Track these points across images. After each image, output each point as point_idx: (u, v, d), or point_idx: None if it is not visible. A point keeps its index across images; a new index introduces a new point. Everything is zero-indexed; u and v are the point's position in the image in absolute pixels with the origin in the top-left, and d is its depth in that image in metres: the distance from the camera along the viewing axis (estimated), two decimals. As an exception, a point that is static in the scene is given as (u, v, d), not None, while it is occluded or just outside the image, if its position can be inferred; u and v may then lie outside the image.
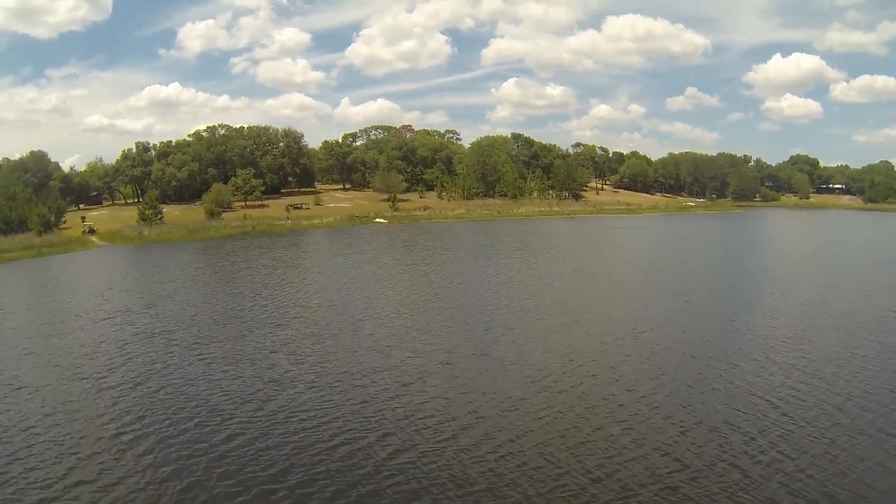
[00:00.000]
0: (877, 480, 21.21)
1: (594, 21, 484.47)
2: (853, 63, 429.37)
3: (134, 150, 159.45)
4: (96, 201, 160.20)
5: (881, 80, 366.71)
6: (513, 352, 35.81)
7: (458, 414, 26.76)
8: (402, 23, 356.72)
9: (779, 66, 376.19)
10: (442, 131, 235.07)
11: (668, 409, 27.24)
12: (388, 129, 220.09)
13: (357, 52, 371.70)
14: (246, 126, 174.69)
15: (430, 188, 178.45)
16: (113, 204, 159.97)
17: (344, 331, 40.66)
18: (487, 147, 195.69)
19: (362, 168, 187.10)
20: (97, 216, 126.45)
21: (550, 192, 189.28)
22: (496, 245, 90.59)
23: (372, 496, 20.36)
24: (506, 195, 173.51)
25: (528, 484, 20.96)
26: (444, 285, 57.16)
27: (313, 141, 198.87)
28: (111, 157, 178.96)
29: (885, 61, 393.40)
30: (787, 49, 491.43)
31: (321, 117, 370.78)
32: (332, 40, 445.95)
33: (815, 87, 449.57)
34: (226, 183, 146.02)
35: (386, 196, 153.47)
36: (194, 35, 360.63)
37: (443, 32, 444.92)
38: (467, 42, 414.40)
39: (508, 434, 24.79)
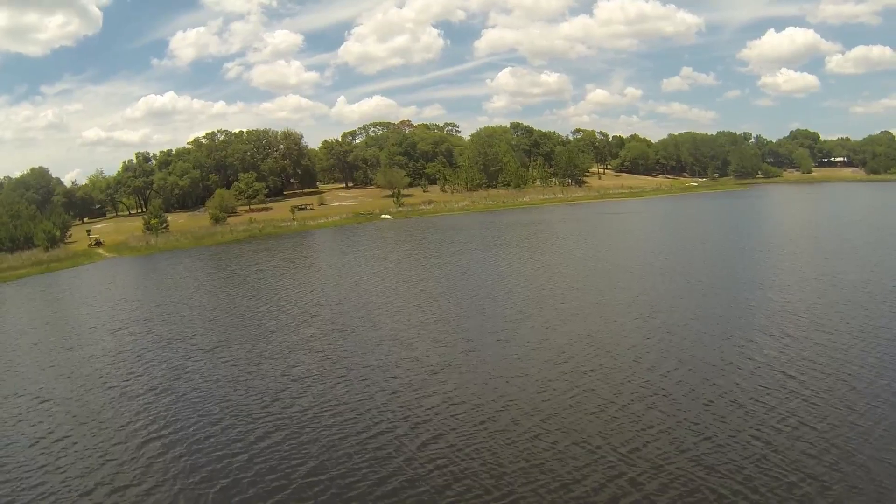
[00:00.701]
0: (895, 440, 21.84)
1: (586, 6, 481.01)
2: (847, 34, 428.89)
3: (135, 161, 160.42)
4: (100, 214, 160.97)
5: (876, 51, 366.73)
6: (533, 337, 36.38)
7: (486, 400, 27.25)
8: (394, 18, 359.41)
9: (773, 42, 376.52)
10: (441, 124, 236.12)
11: (690, 384, 27.79)
12: (387, 125, 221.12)
13: (350, 50, 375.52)
14: (245, 130, 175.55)
15: (433, 182, 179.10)
16: (116, 216, 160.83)
17: (364, 325, 41.22)
18: (488, 138, 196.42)
19: (364, 166, 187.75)
20: (102, 229, 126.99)
21: (553, 179, 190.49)
22: (504, 235, 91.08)
23: (407, 486, 20.76)
24: (509, 185, 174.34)
25: (559, 465, 21.43)
26: (458, 276, 57.71)
27: (312, 141, 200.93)
28: (111, 169, 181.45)
29: (880, 31, 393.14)
30: (780, 24, 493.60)
31: (318, 117, 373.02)
32: (324, 40, 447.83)
33: (810, 61, 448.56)
34: (228, 188, 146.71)
35: (389, 192, 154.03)
36: (186, 43, 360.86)
37: (434, 26, 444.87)
38: (460, 34, 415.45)
39: (537, 418, 25.23)
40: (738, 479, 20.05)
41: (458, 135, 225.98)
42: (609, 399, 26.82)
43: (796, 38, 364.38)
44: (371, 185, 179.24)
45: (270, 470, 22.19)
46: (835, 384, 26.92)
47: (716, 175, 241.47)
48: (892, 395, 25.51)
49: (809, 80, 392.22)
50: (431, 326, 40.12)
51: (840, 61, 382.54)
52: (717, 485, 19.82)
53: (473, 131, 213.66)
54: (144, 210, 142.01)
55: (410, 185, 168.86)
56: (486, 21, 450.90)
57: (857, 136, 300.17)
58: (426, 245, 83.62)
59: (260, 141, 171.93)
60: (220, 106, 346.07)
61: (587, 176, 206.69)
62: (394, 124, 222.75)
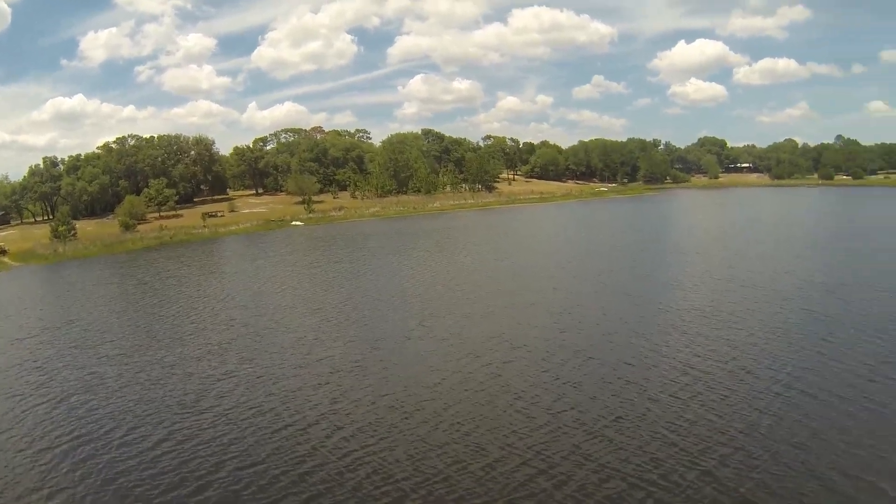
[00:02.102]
0: (775, 429, 25.59)
1: (500, 14, 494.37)
2: (755, 47, 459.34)
3: (41, 166, 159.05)
4: (3, 221, 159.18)
5: (782, 63, 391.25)
6: (443, 335, 40.19)
7: (398, 399, 30.11)
8: (308, 24, 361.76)
9: (683, 52, 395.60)
10: (352, 131, 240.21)
11: (599, 376, 32.01)
12: (298, 131, 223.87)
13: (263, 55, 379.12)
14: (156, 136, 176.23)
15: (344, 188, 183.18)
16: (21, 223, 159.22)
17: (274, 328, 44.50)
18: (398, 144, 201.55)
19: (274, 172, 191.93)
20: (6, 236, 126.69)
21: (463, 185, 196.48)
22: (414, 241, 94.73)
23: (300, 482, 23.06)
24: (419, 191, 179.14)
25: (473, 457, 24.32)
26: (368, 281, 61.47)
27: (222, 148, 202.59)
28: (16, 174, 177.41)
29: (786, 45, 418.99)
30: (691, 35, 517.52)
31: (228, 123, 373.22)
32: (237, 44, 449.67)
33: (719, 72, 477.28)
34: (138, 194, 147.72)
35: (300, 199, 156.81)
36: (97, 44, 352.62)
37: (349, 32, 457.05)
38: (374, 41, 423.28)
39: (451, 411, 28.43)
40: (644, 458, 23.47)
41: (370, 141, 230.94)
42: (501, 393, 30.04)
43: (706, 49, 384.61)
44: (282, 191, 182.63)
45: (167, 471, 24.07)
46: (727, 378, 31.01)
47: (625, 180, 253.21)
48: (776, 384, 29.95)
49: (718, 89, 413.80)
50: (340, 329, 43.65)
51: (747, 72, 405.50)
52: (624, 465, 22.99)
53: (384, 138, 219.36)
54: (51, 217, 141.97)
55: (321, 191, 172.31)
56: (401, 27, 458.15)
57: (762, 143, 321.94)
58: (336, 250, 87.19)
59: (171, 146, 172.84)
60: (130, 110, 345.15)
61: (497, 182, 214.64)
62: (305, 130, 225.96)
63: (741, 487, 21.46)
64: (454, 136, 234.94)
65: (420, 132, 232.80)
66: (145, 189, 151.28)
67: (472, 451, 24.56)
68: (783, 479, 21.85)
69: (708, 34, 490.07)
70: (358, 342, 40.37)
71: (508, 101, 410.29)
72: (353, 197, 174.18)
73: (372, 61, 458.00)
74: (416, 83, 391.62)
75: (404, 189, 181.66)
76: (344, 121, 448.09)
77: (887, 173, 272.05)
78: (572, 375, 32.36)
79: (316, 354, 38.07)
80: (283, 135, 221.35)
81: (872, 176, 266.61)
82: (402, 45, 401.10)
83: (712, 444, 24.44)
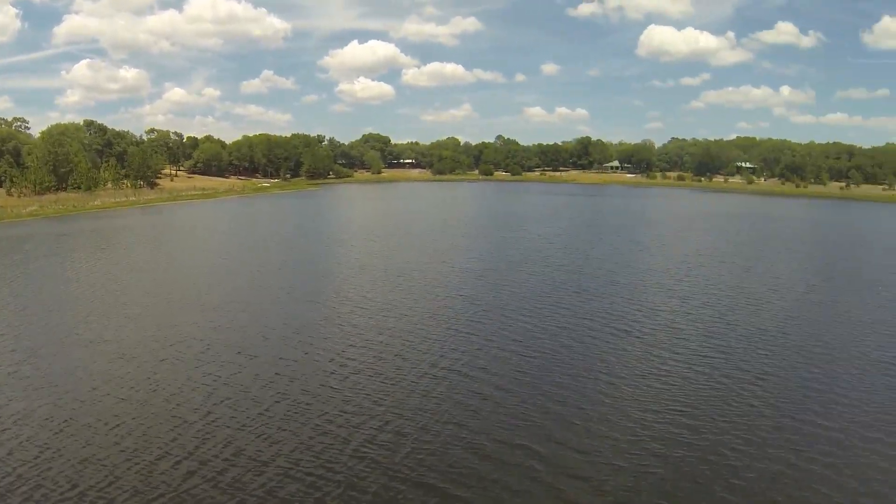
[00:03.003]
0: (424, 405, 29.08)
1: (176, 1, 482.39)
2: (425, 51, 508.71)
3: None
4: None
5: (449, 67, 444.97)
6: (95, 337, 39.85)
7: (41, 404, 29.35)
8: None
9: (355, 52, 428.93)
10: (9, 119, 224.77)
11: (256, 372, 33.44)
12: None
13: None
14: None
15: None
16: None
17: None
18: (59, 136, 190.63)
19: None
20: None
21: (125, 181, 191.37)
22: (74, 241, 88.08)
23: None
24: (80, 187, 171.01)
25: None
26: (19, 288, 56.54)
27: None
28: None
29: (455, 51, 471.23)
30: (365, 36, 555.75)
31: None
32: None
33: (388, 72, 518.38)
34: None
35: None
36: None
37: (13, 4, 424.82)
38: (40, 17, 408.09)
39: (84, 422, 27.65)
40: (298, 446, 25.23)
41: (28, 132, 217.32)
42: (175, 391, 30.86)
43: (378, 50, 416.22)
44: None
45: None
46: (385, 363, 34.50)
47: (288, 175, 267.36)
48: (430, 367, 33.80)
49: (386, 89, 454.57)
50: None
51: (416, 74, 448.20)
52: (277, 456, 24.35)
53: (44, 128, 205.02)
54: None
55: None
56: (71, 5, 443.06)
57: (425, 140, 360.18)
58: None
59: None
60: None
61: (160, 178, 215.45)
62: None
63: (392, 460, 24.05)
64: (117, 129, 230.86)
65: (83, 123, 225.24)
66: None
67: (128, 461, 24.10)
68: (433, 451, 24.78)
69: (382, 36, 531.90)
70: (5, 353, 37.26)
71: (175, 93, 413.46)
72: (10, 194, 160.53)
73: (36, 41, 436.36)
74: (81, 69, 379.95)
75: (64, 185, 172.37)
76: (1, 107, 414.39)
77: (543, 170, 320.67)
78: (224, 372, 33.40)
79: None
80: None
81: (530, 172, 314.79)
82: (70, 25, 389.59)
83: (362, 424, 26.97)
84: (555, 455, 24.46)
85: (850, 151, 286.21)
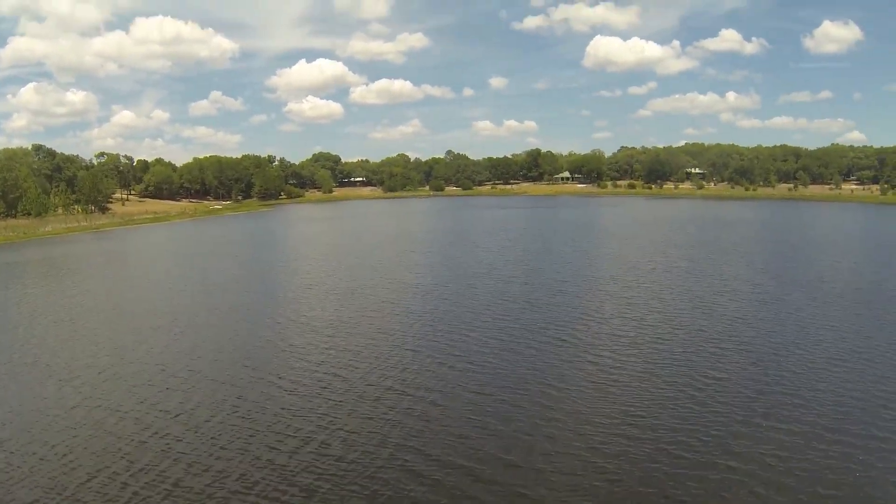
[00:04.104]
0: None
1: (123, 22, 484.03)
2: (373, 69, 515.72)
3: None
4: None
5: (398, 84, 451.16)
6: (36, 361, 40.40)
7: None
8: None
9: (303, 71, 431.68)
10: None
11: (206, 383, 35.07)
12: None
13: None
14: None
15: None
16: None
17: None
18: (7, 161, 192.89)
19: None
20: None
21: (76, 206, 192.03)
22: (22, 272, 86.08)
23: None
24: (30, 213, 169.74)
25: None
26: None
27: None
28: None
29: (402, 68, 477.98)
30: (312, 55, 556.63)
31: None
32: None
33: (336, 90, 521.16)
34: None
35: None
36: None
37: None
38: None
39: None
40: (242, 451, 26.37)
41: None
42: (125, 413, 30.94)
43: (325, 69, 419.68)
44: None
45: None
46: (330, 383, 34.71)
47: (240, 197, 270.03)
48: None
49: (334, 107, 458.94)
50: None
51: (364, 92, 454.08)
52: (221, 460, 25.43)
53: None
54: None
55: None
56: (16, 27, 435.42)
57: (375, 158, 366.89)
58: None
59: None
60: None
61: (111, 202, 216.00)
62: None
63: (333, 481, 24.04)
64: (66, 153, 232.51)
65: (31, 148, 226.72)
66: None
67: (81, 484, 24.08)
68: (370, 474, 24.42)
69: (329, 55, 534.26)
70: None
71: (124, 116, 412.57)
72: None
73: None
74: (28, 92, 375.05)
75: (13, 212, 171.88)
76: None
77: (494, 184, 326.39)
78: (174, 392, 33.93)
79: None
80: None
81: (481, 186, 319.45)
82: (15, 48, 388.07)
83: (299, 449, 26.79)
84: (494, 473, 24.40)
85: (797, 153, 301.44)
